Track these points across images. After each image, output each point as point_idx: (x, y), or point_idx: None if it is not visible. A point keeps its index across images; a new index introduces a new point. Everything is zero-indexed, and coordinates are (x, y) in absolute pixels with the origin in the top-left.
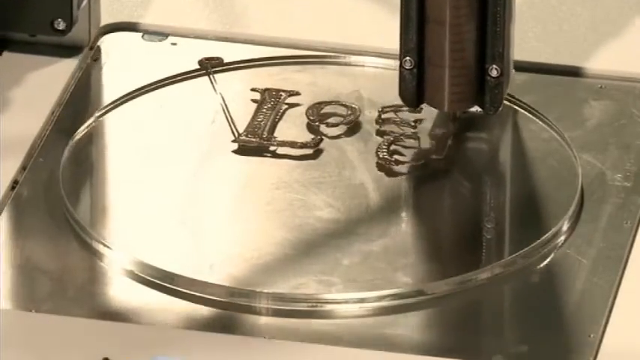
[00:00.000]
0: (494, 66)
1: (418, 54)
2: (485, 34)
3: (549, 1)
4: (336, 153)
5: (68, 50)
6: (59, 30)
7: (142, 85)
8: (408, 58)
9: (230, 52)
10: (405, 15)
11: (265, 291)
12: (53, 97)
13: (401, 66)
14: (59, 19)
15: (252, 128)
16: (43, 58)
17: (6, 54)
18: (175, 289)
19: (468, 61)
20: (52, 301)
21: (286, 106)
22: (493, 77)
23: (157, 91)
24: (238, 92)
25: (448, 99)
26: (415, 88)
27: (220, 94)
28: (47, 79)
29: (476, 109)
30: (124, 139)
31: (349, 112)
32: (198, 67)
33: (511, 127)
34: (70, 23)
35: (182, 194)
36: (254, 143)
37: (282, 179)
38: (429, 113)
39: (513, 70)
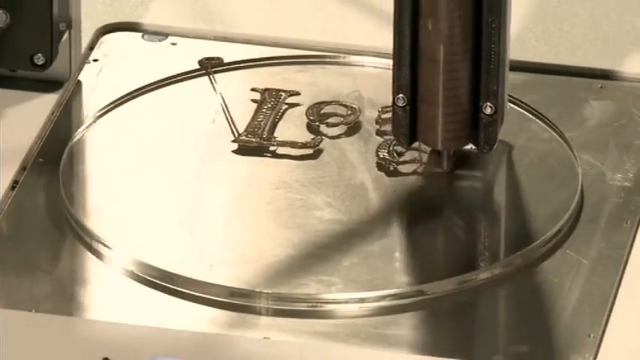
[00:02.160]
0: (489, 103)
1: (411, 91)
2: (479, 71)
3: (549, 1)
4: (336, 153)
5: (49, 85)
6: (39, 65)
7: (142, 85)
8: (400, 95)
9: (230, 52)
10: (398, 52)
11: (265, 291)
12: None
13: (394, 103)
14: (39, 54)
15: (252, 128)
16: (23, 92)
17: None
18: (175, 289)
19: (462, 99)
20: (52, 301)
21: (286, 106)
22: (487, 115)
23: (156, 91)
24: (238, 92)
25: (442, 137)
26: (408, 126)
27: (220, 94)
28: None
29: (470, 146)
30: (124, 139)
31: (349, 112)
32: (198, 67)
33: (511, 127)
34: (50, 58)
35: (182, 194)
36: (254, 143)
37: (282, 179)
38: None
39: (508, 107)
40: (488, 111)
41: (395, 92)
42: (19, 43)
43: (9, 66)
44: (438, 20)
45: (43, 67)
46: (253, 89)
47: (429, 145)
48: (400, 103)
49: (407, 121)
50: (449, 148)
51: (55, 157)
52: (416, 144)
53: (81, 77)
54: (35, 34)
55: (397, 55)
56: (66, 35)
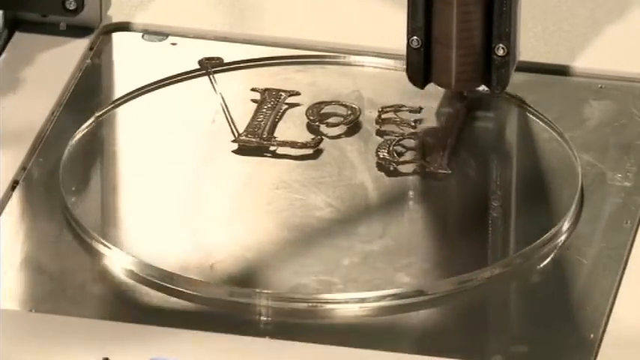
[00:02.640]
0: (501, 45)
1: (425, 33)
2: (492, 13)
3: (549, 1)
4: (336, 153)
5: (79, 30)
6: (70, 10)
7: (142, 85)
8: (415, 37)
9: (230, 52)
10: None
11: (265, 291)
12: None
13: (408, 45)
14: None
15: (252, 128)
16: (54, 38)
17: (17, 34)
18: (175, 289)
19: (475, 41)
20: (52, 301)
21: (286, 106)
22: (500, 56)
23: (157, 91)
24: (238, 92)
25: (455, 78)
26: (422, 68)
27: (220, 94)
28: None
29: (483, 88)
30: (124, 139)
31: (349, 112)
32: (198, 67)
33: (511, 127)
34: (82, 3)
35: (182, 194)
36: (254, 143)
37: (282, 179)
38: (429, 114)
39: (520, 49)
40: (500, 52)
41: (409, 34)
42: None
43: (40, 11)
44: None
45: (75, 12)
46: (253, 89)
47: (443, 87)
48: (415, 45)
49: (421, 63)
50: (462, 90)
51: (55, 157)
52: (416, 143)
53: (81, 77)
54: None
55: None
56: None
